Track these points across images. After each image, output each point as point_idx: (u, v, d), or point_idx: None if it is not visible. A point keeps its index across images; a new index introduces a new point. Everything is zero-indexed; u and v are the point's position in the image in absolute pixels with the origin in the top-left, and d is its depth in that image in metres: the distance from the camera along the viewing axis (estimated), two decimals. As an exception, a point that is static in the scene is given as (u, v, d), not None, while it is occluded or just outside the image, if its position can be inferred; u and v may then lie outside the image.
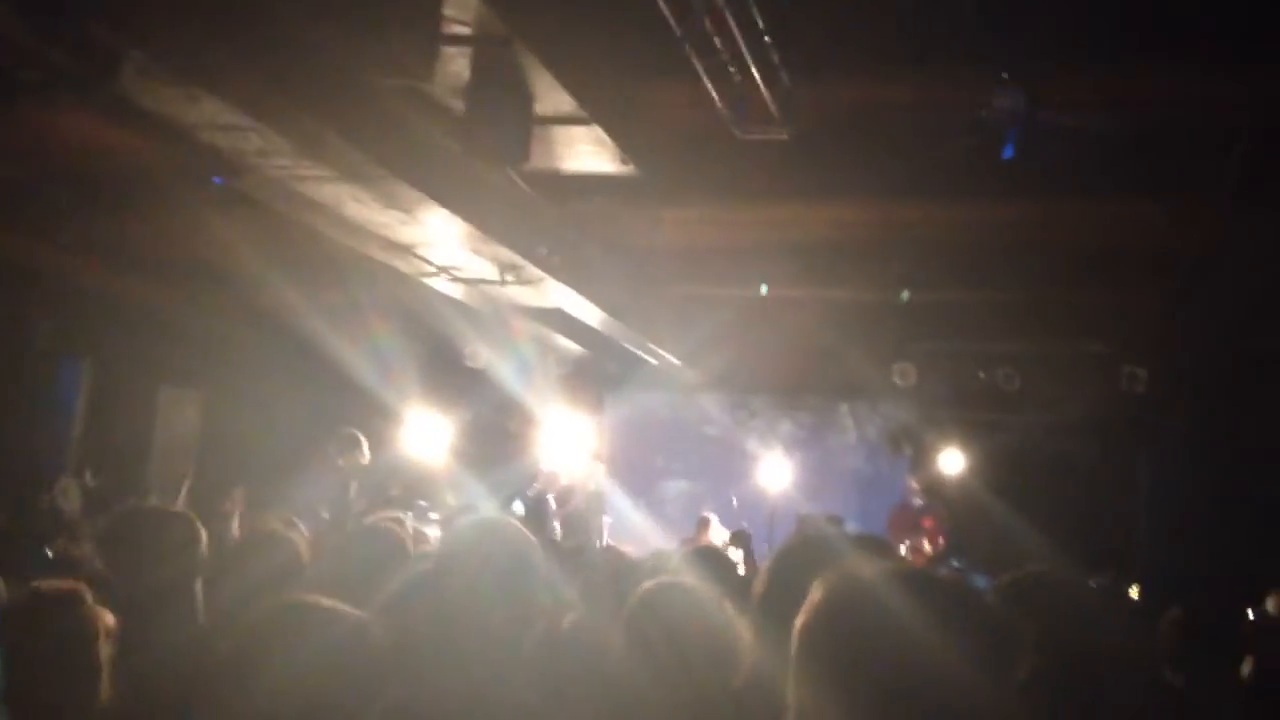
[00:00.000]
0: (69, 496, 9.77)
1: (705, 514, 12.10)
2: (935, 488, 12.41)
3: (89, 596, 2.82)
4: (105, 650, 2.73)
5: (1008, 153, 6.71)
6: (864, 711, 1.62)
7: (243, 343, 11.50)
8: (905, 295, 10.57)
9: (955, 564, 11.27)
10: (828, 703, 1.66)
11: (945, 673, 1.61)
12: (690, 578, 3.75)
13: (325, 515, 9.00)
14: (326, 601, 2.37)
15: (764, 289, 10.85)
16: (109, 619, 2.81)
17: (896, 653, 1.62)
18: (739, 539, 10.56)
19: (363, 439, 9.82)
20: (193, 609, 3.37)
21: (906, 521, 11.96)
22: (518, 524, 3.19)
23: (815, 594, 1.76)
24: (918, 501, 12.14)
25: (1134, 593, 9.15)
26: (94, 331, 10.81)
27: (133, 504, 4.17)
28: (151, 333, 11.17)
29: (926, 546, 11.52)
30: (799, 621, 1.75)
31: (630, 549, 9.38)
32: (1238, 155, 6.36)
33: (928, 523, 11.76)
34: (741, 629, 2.91)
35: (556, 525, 10.85)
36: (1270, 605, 5.72)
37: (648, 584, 3.33)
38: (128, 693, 2.70)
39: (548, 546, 6.39)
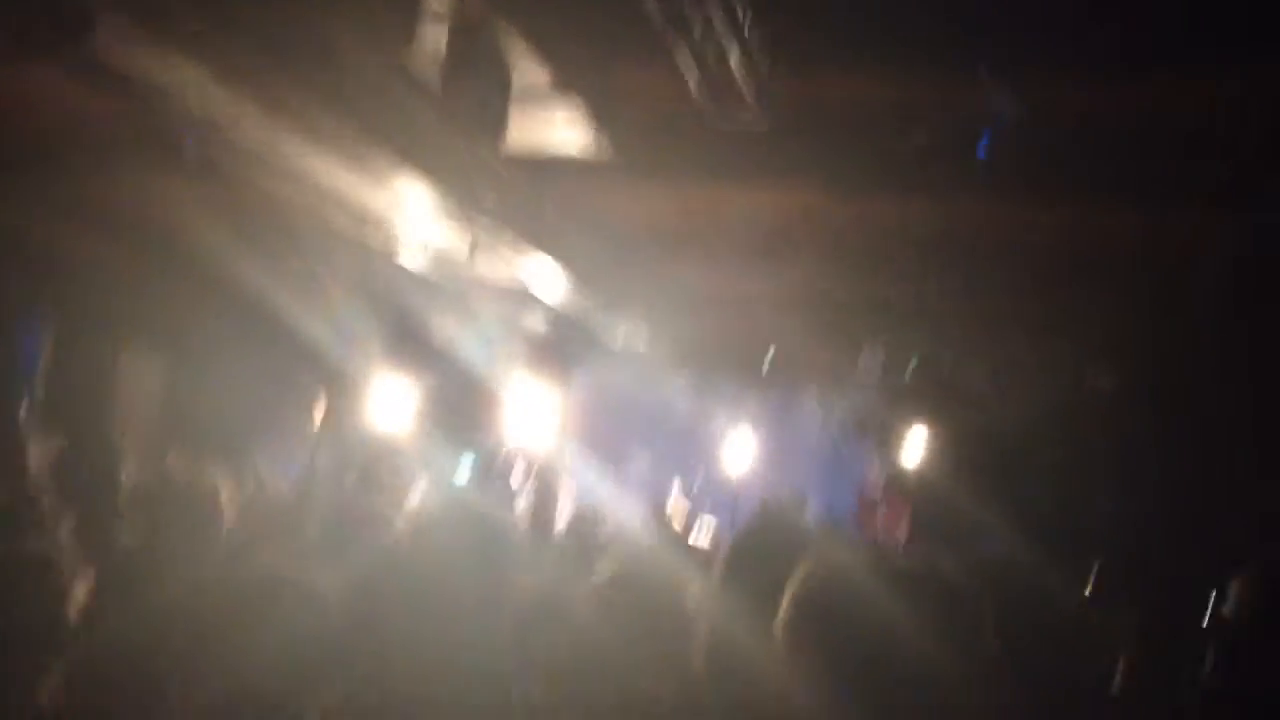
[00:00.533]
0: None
1: (671, 487, 12.16)
2: (900, 476, 12.50)
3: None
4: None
5: (980, 152, 6.74)
6: (844, 686, 1.65)
7: (205, 307, 11.38)
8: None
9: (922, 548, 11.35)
10: (811, 680, 1.69)
11: (916, 650, 1.66)
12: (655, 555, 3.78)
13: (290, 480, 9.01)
14: (296, 575, 2.37)
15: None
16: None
17: (872, 635, 1.66)
18: (656, 510, 10.78)
19: (324, 404, 9.80)
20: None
21: (873, 504, 12.03)
22: (486, 497, 3.21)
23: (795, 585, 1.80)
24: (880, 488, 12.20)
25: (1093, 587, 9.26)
26: (56, 291, 10.68)
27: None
28: (112, 294, 11.05)
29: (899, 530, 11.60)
30: (783, 612, 1.78)
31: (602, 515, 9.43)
32: (1213, 160, 6.40)
33: (895, 509, 11.83)
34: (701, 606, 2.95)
35: (521, 498, 10.84)
36: (1233, 591, 5.75)
37: (616, 562, 3.35)
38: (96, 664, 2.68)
39: (513, 519, 6.42)
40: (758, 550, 2.42)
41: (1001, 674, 2.49)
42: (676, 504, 12.04)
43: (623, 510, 11.04)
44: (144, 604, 3.13)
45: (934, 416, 13.04)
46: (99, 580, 3.42)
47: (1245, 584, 4.04)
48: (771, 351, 13.21)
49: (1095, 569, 9.36)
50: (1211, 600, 5.58)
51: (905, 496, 12.09)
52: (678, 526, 11.80)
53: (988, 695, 2.37)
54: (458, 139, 7.29)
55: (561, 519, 10.84)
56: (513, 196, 8.67)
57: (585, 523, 9.27)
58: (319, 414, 9.84)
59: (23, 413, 7.43)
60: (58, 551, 3.72)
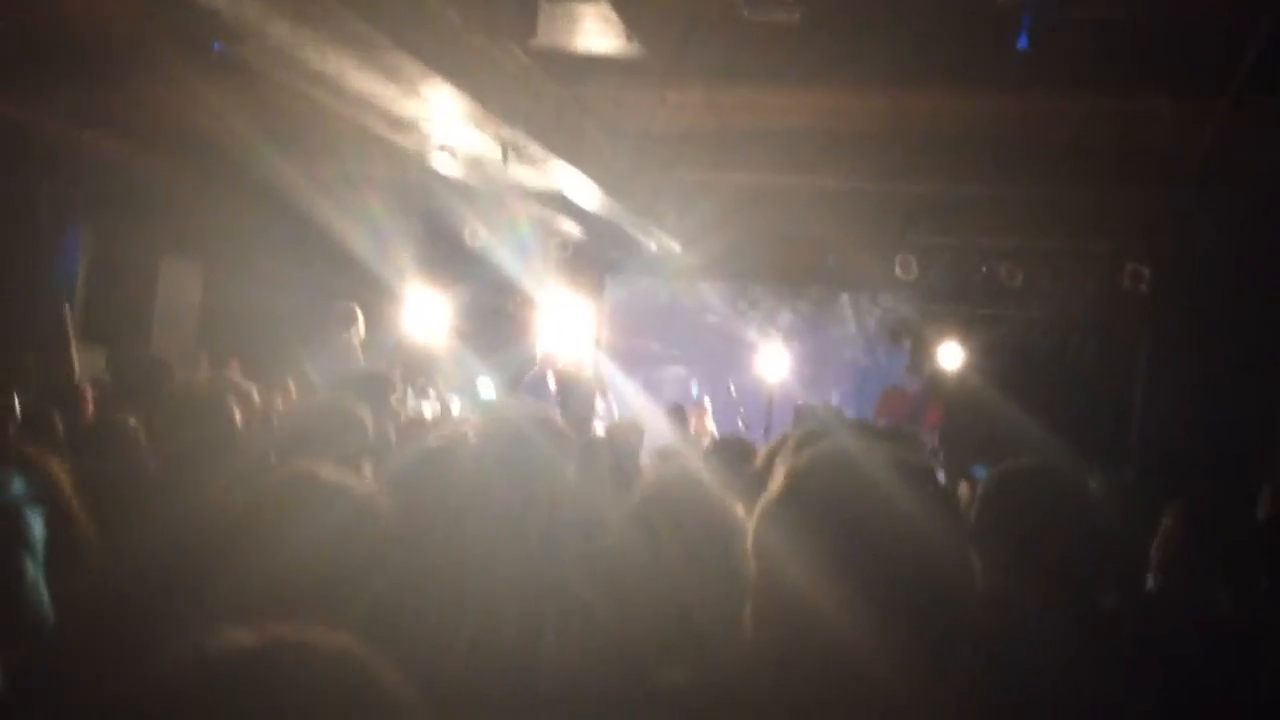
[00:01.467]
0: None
1: (701, 400, 12.19)
2: (935, 379, 12.45)
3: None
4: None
5: (1022, 43, 6.60)
6: (833, 558, 1.67)
7: (243, 215, 11.42)
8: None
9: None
10: (800, 546, 1.71)
11: (907, 528, 1.68)
12: (698, 469, 3.77)
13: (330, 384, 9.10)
14: (334, 473, 2.39)
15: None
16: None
17: (865, 509, 1.68)
18: (675, 413, 10.84)
19: (360, 313, 9.86)
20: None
21: (897, 404, 12.01)
22: (525, 407, 3.22)
23: (800, 458, 1.82)
24: (913, 388, 12.15)
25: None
26: (94, 201, 10.72)
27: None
28: (151, 203, 11.08)
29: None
30: (782, 476, 1.80)
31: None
32: (1249, 53, 6.25)
33: (932, 418, 11.80)
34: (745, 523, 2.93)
35: (557, 408, 10.92)
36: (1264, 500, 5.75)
37: (660, 475, 3.35)
38: (129, 561, 2.73)
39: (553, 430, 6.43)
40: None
41: (1032, 588, 2.52)
42: (708, 412, 12.07)
43: (654, 420, 11.09)
44: (184, 505, 3.20)
45: (968, 319, 12.97)
46: (140, 484, 3.48)
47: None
48: (807, 256, 13.13)
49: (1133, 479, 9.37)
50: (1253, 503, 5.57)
51: (938, 399, 12.05)
52: (711, 435, 11.86)
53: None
54: (486, 43, 7.22)
55: (597, 429, 10.92)
56: (543, 101, 8.61)
57: (621, 433, 9.33)
58: (354, 318, 9.90)
59: (65, 320, 7.50)
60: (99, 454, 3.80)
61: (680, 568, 2.89)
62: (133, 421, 3.94)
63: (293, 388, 8.41)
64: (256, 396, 4.30)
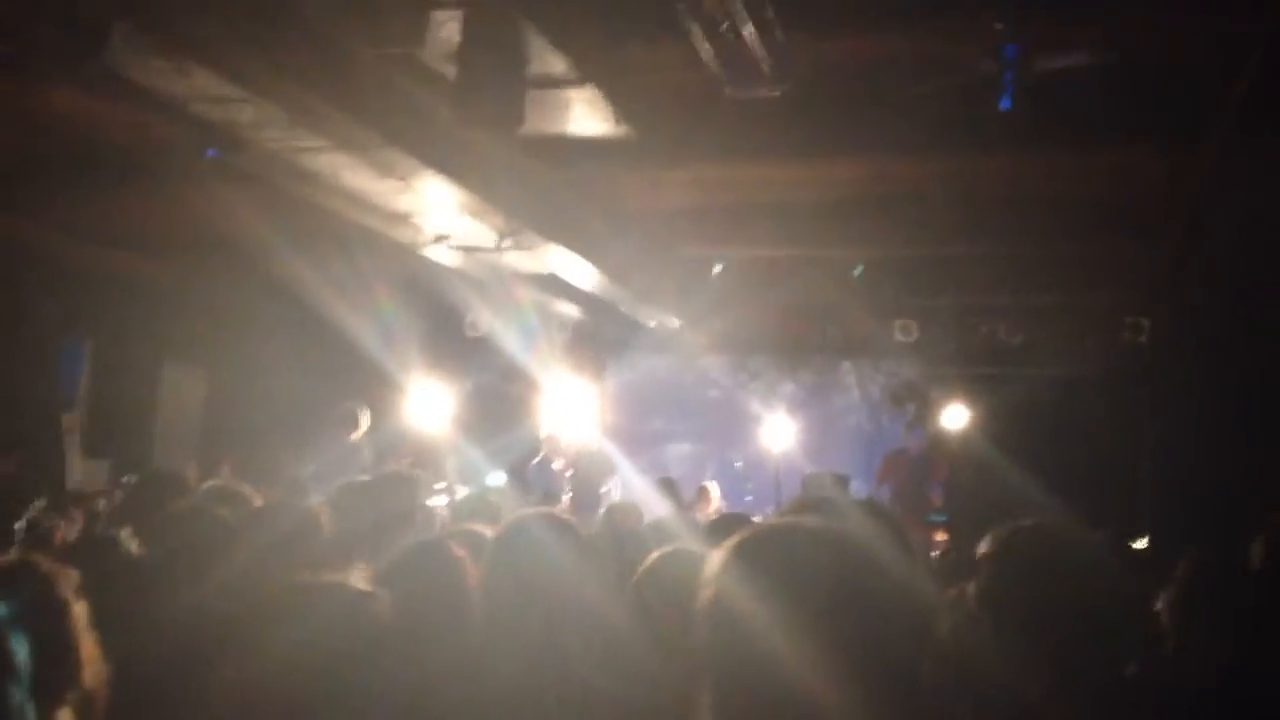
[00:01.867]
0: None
1: (705, 485, 12.14)
2: (940, 439, 12.40)
3: (47, 567, 2.75)
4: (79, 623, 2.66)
5: (1005, 104, 6.67)
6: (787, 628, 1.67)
7: (245, 316, 11.51)
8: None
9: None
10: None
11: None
12: (696, 545, 3.73)
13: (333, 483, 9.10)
14: (330, 575, 2.38)
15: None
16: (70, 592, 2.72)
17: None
18: (666, 486, 10.79)
19: (364, 411, 9.88)
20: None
21: (900, 466, 11.93)
22: (525, 496, 3.22)
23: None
24: (914, 449, 12.05)
25: (1142, 544, 9.17)
26: (95, 309, 10.80)
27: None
28: (153, 308, 11.17)
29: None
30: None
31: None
32: (1235, 97, 6.31)
33: (939, 474, 11.72)
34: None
35: (565, 496, 10.86)
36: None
37: (655, 554, 3.32)
38: (122, 667, 2.70)
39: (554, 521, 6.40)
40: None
41: (1038, 647, 2.49)
42: (714, 491, 12.02)
43: (660, 500, 11.04)
44: (181, 610, 3.17)
45: (971, 380, 12.95)
46: (140, 590, 3.45)
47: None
48: (807, 326, 13.17)
49: (1142, 536, 9.28)
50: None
51: (942, 455, 11.98)
52: (716, 512, 11.78)
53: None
54: (477, 134, 7.31)
55: (600, 511, 10.87)
56: (536, 187, 8.70)
57: (623, 515, 9.28)
58: (363, 416, 9.93)
59: (67, 432, 7.53)
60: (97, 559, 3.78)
61: (679, 647, 2.86)
62: (125, 533, 3.92)
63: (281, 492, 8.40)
64: (253, 498, 4.28)
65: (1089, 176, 8.80)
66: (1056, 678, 2.48)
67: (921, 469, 11.45)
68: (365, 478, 5.94)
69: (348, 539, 3.93)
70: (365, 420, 10.01)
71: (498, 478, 11.62)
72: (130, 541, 3.66)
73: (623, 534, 6.52)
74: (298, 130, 6.29)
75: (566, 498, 11.01)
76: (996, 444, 12.17)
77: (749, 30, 5.94)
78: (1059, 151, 8.07)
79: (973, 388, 13.05)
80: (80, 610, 2.66)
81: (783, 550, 1.74)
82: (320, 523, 3.76)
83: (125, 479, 9.10)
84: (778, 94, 6.46)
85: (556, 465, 11.37)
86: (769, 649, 1.64)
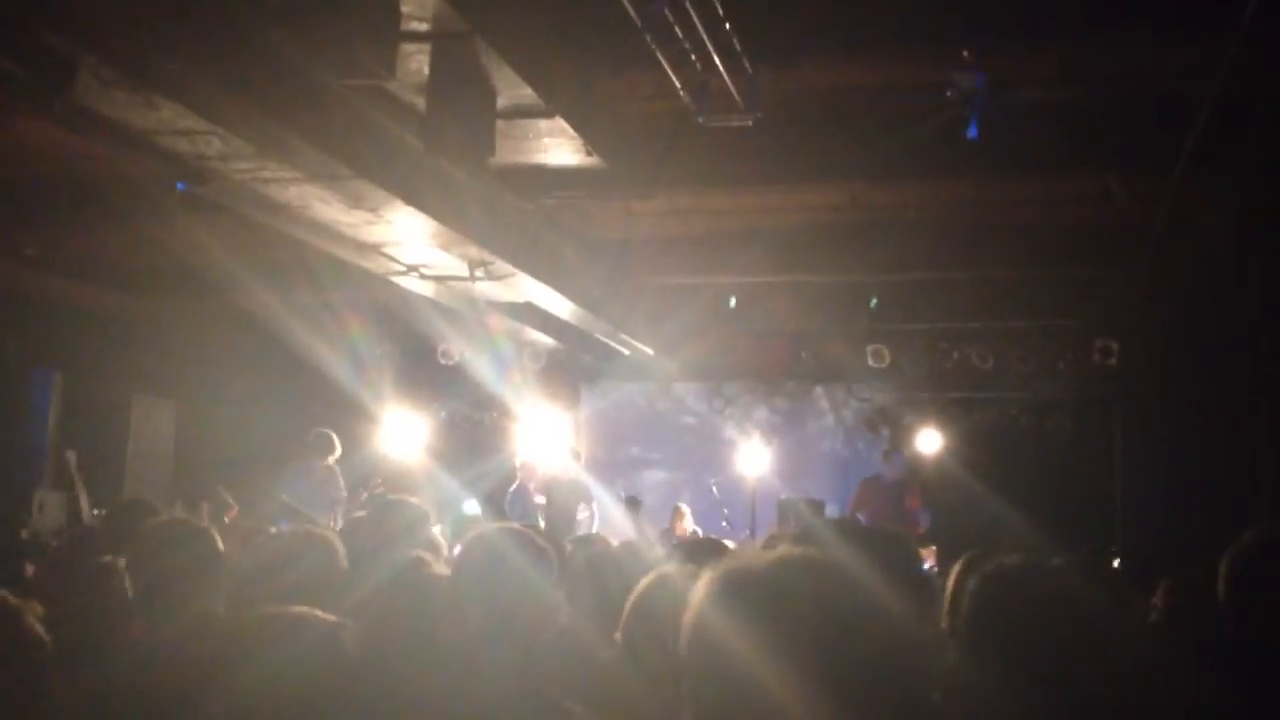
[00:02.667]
0: (45, 511, 9.71)
1: (679, 504, 12.11)
2: (915, 466, 12.42)
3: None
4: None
5: (972, 132, 6.74)
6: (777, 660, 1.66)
7: (215, 348, 11.45)
8: (874, 302, 10.81)
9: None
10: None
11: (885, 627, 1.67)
12: (678, 573, 3.71)
13: (316, 512, 9.06)
14: (299, 609, 2.36)
15: (732, 302, 11.07)
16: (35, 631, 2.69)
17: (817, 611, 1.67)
18: (631, 504, 10.77)
19: (335, 438, 9.85)
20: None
21: (874, 494, 11.92)
22: (502, 528, 3.19)
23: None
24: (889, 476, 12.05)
25: (1115, 564, 9.21)
26: (64, 343, 10.73)
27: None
28: (122, 341, 11.10)
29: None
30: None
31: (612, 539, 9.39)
32: (1197, 126, 6.39)
33: (914, 503, 11.72)
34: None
35: (540, 519, 10.81)
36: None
37: (638, 588, 3.29)
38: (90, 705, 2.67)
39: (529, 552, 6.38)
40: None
41: (1019, 687, 2.50)
42: (686, 517, 12.00)
43: (636, 529, 11.01)
44: (152, 644, 3.14)
45: (944, 404, 13.02)
46: (110, 621, 3.42)
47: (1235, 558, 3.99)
48: (781, 353, 13.21)
49: (1116, 557, 9.33)
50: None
51: (915, 482, 12.01)
52: (689, 532, 11.74)
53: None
54: (448, 165, 7.32)
55: (576, 541, 10.80)
56: (507, 217, 8.71)
57: (598, 539, 9.24)
58: (330, 444, 9.88)
59: (37, 468, 7.46)
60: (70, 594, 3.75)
61: (660, 676, 2.85)
62: (108, 560, 3.89)
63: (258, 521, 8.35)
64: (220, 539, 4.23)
65: (1058, 203, 8.90)
66: (1042, 711, 2.48)
67: (897, 495, 11.45)
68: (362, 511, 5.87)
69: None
70: (337, 446, 9.97)
71: (473, 506, 11.57)
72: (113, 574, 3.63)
73: (597, 559, 6.51)
74: (267, 162, 6.27)
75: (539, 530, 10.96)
76: (970, 467, 12.23)
77: (717, 61, 5.99)
78: (1028, 179, 8.16)
79: (945, 411, 13.11)
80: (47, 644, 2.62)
81: (767, 580, 1.73)
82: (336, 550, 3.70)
83: (96, 512, 9.03)
84: (749, 123, 6.51)
85: (533, 492, 11.32)
86: (753, 681, 1.64)
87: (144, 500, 5.54)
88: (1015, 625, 2.62)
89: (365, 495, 9.37)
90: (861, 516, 11.25)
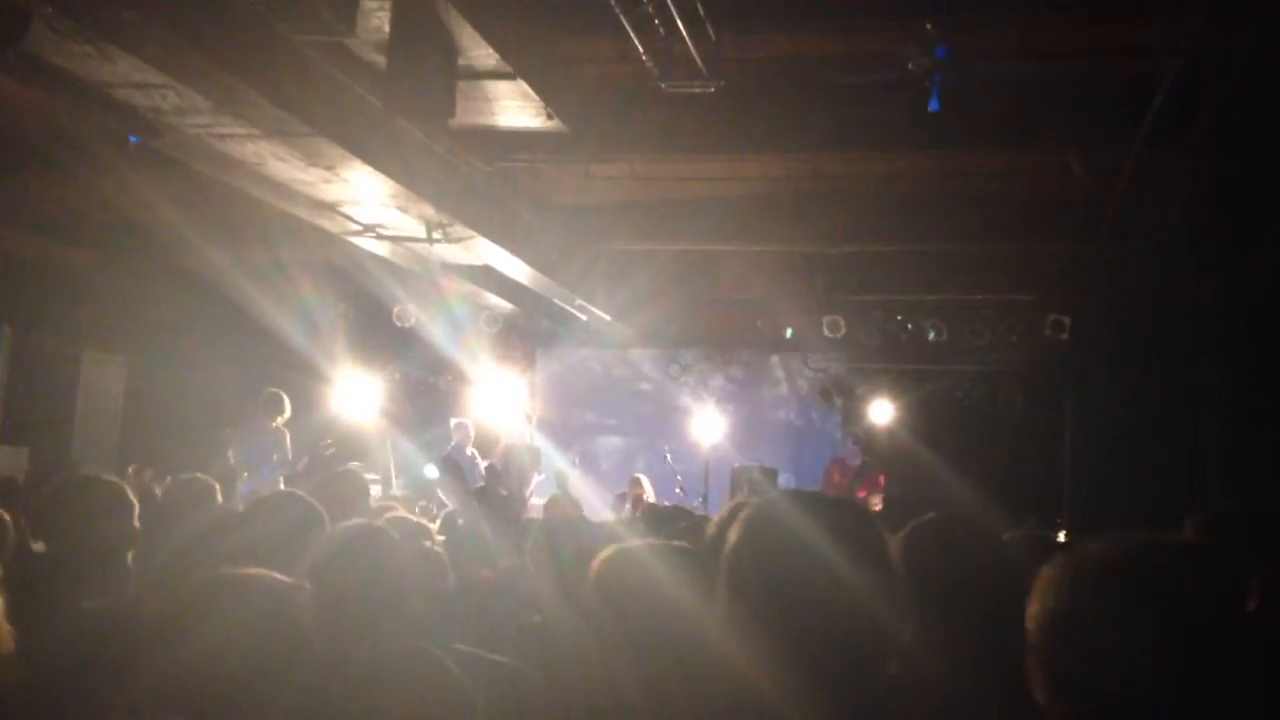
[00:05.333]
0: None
1: (637, 474, 12.14)
2: (870, 438, 12.54)
3: None
4: None
5: (933, 105, 6.76)
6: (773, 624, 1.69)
7: (167, 305, 11.31)
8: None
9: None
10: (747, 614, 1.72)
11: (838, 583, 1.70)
12: (640, 541, 3.72)
13: (263, 474, 9.00)
14: (253, 570, 2.36)
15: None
16: None
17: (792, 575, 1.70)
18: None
19: (286, 399, 9.78)
20: (123, 577, 3.33)
21: (841, 477, 12.02)
22: (455, 488, 3.20)
23: (735, 528, 1.84)
24: (856, 460, 12.16)
25: (1061, 537, 9.34)
26: (13, 297, 10.56)
27: (66, 474, 4.14)
28: (73, 297, 10.95)
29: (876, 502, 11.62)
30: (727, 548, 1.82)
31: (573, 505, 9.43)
32: (1156, 103, 6.45)
33: (880, 481, 11.83)
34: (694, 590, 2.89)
35: (482, 477, 10.79)
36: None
37: (602, 555, 3.29)
38: (44, 663, 2.65)
39: (473, 501, 6.42)
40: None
41: (946, 639, 2.54)
42: (646, 483, 12.01)
43: (590, 491, 11.06)
44: (102, 602, 3.11)
45: (897, 375, 13.13)
46: (54, 581, 3.39)
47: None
48: (737, 321, 13.26)
49: (1062, 529, 9.44)
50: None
51: (876, 463, 12.14)
52: (663, 510, 11.72)
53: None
54: (407, 125, 7.25)
55: (532, 504, 10.84)
56: (467, 179, 8.65)
57: (557, 508, 9.27)
58: (280, 404, 9.79)
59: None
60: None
61: (614, 637, 2.86)
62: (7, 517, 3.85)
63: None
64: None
65: (1014, 177, 8.96)
66: (968, 667, 2.53)
67: (859, 479, 11.61)
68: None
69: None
70: (287, 407, 9.89)
71: (431, 470, 11.54)
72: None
73: (556, 527, 6.53)
74: (223, 117, 6.19)
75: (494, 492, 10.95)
76: (920, 438, 12.36)
77: (681, 27, 5.97)
78: (988, 152, 8.21)
79: (898, 383, 13.23)
80: None
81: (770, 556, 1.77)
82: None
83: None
84: (711, 90, 6.49)
85: (469, 453, 11.32)
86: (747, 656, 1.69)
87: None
88: (945, 570, 2.67)
89: (306, 460, 9.31)
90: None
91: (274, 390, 9.72)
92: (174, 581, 2.93)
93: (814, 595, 1.74)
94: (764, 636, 1.74)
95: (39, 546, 3.46)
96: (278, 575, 2.38)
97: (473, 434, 11.59)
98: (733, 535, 1.86)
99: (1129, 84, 6.73)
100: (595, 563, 3.26)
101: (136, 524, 3.43)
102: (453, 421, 11.86)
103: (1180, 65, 5.97)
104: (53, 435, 10.69)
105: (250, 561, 2.44)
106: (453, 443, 11.38)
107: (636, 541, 3.24)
